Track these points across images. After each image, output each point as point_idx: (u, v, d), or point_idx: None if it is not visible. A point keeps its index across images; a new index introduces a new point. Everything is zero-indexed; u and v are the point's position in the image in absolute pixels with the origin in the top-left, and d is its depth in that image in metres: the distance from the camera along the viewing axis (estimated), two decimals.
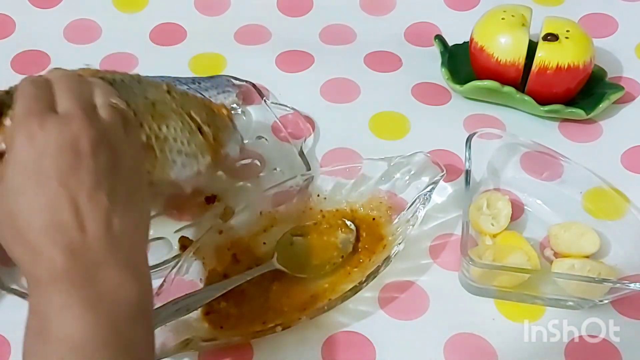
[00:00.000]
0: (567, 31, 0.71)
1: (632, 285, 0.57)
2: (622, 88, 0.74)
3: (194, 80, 0.72)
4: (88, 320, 0.40)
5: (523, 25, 0.72)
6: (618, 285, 0.58)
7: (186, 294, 0.57)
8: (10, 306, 0.60)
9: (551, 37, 0.71)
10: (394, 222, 0.63)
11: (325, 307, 0.57)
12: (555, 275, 0.60)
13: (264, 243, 0.63)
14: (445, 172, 0.62)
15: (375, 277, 0.58)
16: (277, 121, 0.71)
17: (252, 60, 0.79)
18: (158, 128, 0.54)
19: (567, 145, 0.71)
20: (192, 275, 0.60)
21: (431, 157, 0.64)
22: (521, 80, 0.73)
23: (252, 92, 0.74)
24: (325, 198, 0.65)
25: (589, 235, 0.62)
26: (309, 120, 0.73)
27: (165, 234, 0.63)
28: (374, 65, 0.79)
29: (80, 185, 0.43)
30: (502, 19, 0.72)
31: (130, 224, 0.45)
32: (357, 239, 0.63)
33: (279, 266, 0.61)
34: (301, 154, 0.69)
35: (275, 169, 0.69)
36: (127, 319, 0.42)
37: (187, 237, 0.62)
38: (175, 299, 0.56)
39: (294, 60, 0.79)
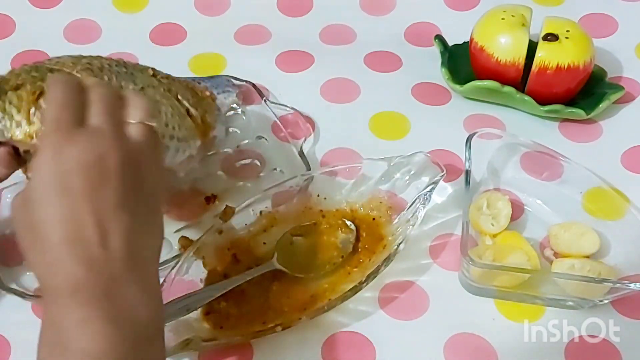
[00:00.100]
0: (567, 31, 0.71)
1: (632, 285, 0.57)
2: (622, 88, 0.74)
3: (194, 80, 0.72)
4: (107, 335, 0.40)
5: (523, 25, 0.72)
6: (618, 285, 0.58)
7: (186, 294, 0.57)
8: (10, 306, 0.60)
9: (551, 37, 0.71)
10: (394, 222, 0.63)
11: (325, 307, 0.57)
12: (555, 275, 0.60)
13: (264, 243, 0.63)
14: (445, 172, 0.62)
15: (375, 277, 0.58)
16: (277, 121, 0.71)
17: (252, 60, 0.79)
18: None
19: (567, 145, 0.71)
20: (192, 275, 0.60)
21: (431, 157, 0.64)
22: (521, 80, 0.73)
23: (252, 92, 0.74)
24: (325, 198, 0.65)
25: (588, 235, 0.62)
26: (309, 120, 0.73)
27: (165, 234, 0.62)
28: (374, 65, 0.79)
29: (104, 203, 0.42)
30: (502, 19, 0.72)
31: (147, 244, 0.45)
32: (357, 239, 0.63)
33: (279, 266, 0.61)
34: (301, 154, 0.69)
35: (275, 169, 0.69)
36: (144, 337, 0.43)
37: (187, 237, 0.62)
38: (175, 299, 0.56)
39: (294, 60, 0.79)
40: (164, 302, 0.54)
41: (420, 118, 0.74)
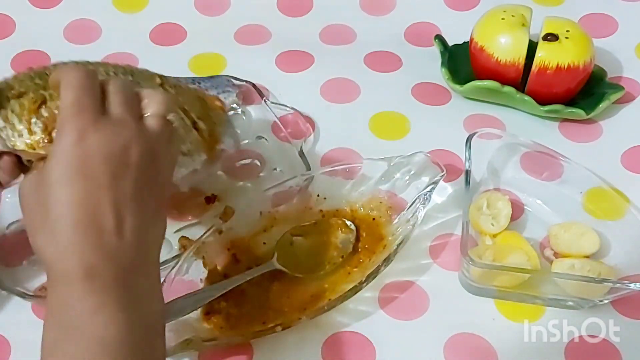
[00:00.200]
0: (567, 31, 0.71)
1: (632, 285, 0.57)
2: (622, 88, 0.74)
3: (193, 80, 0.72)
4: (121, 323, 0.41)
5: (523, 25, 0.72)
6: (618, 285, 0.58)
7: (186, 294, 0.57)
8: (11, 306, 0.60)
9: (551, 37, 0.71)
10: (394, 222, 0.63)
11: (325, 307, 0.57)
12: (555, 275, 0.60)
13: (264, 243, 0.63)
14: (445, 172, 0.62)
15: (375, 277, 0.58)
16: (277, 121, 0.71)
17: (252, 60, 0.79)
18: None
19: (567, 145, 0.71)
20: (192, 275, 0.60)
21: (431, 157, 0.64)
22: (521, 80, 0.73)
23: (252, 92, 0.73)
24: (325, 198, 0.65)
25: (588, 235, 0.62)
26: (309, 120, 0.73)
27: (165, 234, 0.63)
28: (374, 65, 0.79)
29: (123, 193, 0.43)
30: (502, 19, 0.72)
31: (155, 237, 0.46)
32: (357, 238, 0.63)
33: (278, 266, 0.61)
34: (301, 154, 0.69)
35: (275, 169, 0.69)
36: (154, 328, 0.43)
37: (187, 237, 0.62)
38: (175, 299, 0.56)
39: (294, 60, 0.79)
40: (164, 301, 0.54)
41: (420, 118, 0.74)
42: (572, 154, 0.67)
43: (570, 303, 0.59)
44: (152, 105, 0.47)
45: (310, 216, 0.65)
